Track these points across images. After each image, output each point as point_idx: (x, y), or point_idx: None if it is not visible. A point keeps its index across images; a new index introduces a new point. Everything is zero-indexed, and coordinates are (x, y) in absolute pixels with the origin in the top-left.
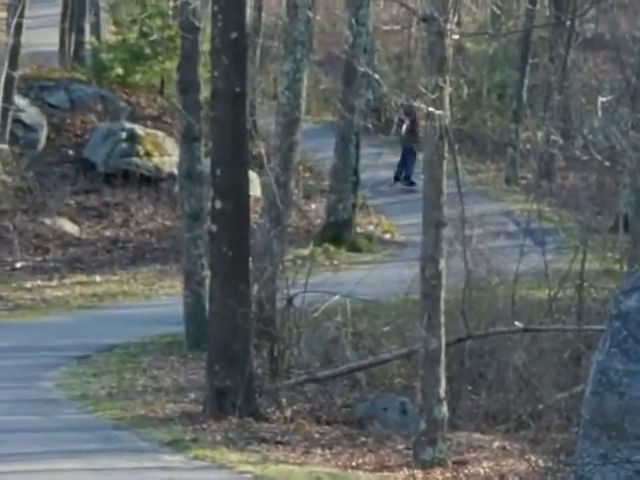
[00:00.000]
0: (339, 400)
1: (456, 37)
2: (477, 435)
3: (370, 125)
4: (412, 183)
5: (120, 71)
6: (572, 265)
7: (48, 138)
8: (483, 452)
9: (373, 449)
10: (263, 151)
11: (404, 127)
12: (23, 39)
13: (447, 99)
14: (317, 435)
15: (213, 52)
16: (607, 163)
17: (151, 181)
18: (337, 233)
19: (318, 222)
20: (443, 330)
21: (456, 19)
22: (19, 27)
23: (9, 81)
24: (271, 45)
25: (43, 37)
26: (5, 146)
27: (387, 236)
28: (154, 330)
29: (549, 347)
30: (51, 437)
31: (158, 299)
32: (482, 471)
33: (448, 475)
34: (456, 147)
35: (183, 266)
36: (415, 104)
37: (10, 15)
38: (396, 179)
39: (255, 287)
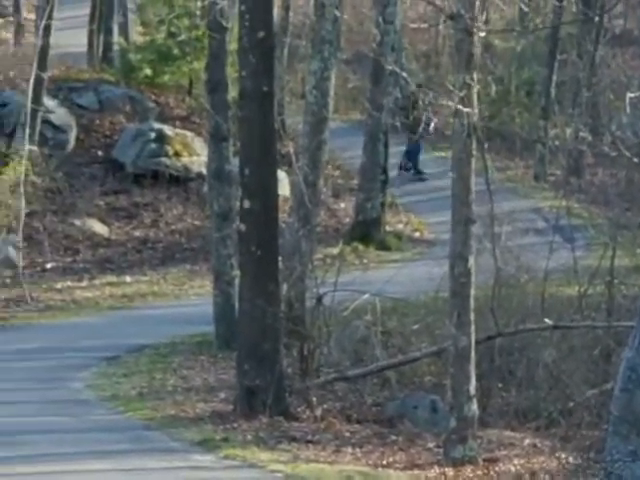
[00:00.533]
0: (369, 399)
1: (483, 34)
2: (507, 432)
3: (398, 123)
4: (420, 172)
5: (148, 72)
6: (602, 261)
7: (77, 139)
8: (514, 449)
9: (404, 447)
10: (291, 150)
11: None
12: (52, 40)
13: (475, 96)
14: (347, 434)
15: (240, 52)
16: (636, 159)
17: (180, 181)
18: (366, 232)
19: (347, 221)
20: (473, 328)
21: (483, 16)
22: (48, 29)
23: (38, 82)
24: (299, 44)
25: (71, 38)
26: (34, 147)
27: (416, 234)
28: (184, 330)
29: (579, 344)
30: (81, 438)
31: (188, 299)
32: (513, 469)
33: (479, 473)
34: (485, 145)
35: (212, 266)
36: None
37: (39, 17)
38: (401, 169)
39: (284, 286)
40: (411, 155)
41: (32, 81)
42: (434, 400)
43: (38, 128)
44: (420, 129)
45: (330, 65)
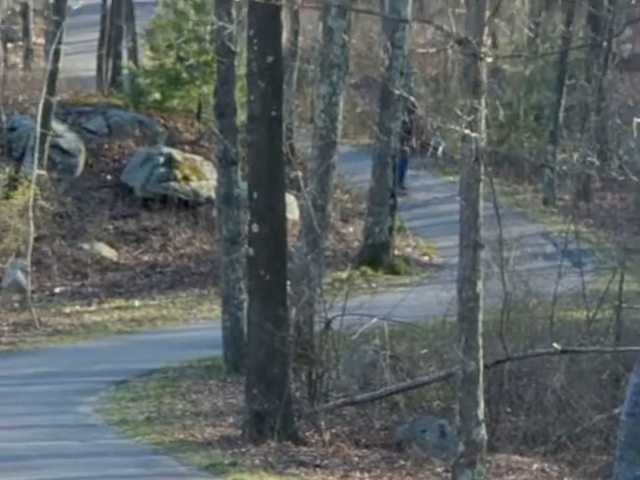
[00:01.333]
0: (378, 423)
1: (491, 60)
2: (516, 457)
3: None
4: (403, 188)
5: (157, 96)
6: (610, 286)
7: (86, 163)
8: (522, 474)
9: (412, 472)
10: (300, 174)
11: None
12: (61, 65)
13: (483, 121)
14: (356, 458)
15: (249, 76)
16: None
17: (189, 205)
18: (375, 256)
19: (356, 245)
20: (481, 352)
21: (490, 42)
22: (57, 53)
23: (47, 107)
24: (307, 68)
25: (80, 63)
26: (43, 172)
27: (425, 258)
28: (193, 354)
29: (588, 369)
30: (90, 462)
31: (197, 323)
32: None
33: None
34: (489, 170)
35: (221, 290)
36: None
37: (48, 41)
38: None
39: (293, 310)
40: (401, 170)
41: (41, 105)
42: (442, 424)
43: (47, 152)
44: (411, 144)
45: (339, 89)
